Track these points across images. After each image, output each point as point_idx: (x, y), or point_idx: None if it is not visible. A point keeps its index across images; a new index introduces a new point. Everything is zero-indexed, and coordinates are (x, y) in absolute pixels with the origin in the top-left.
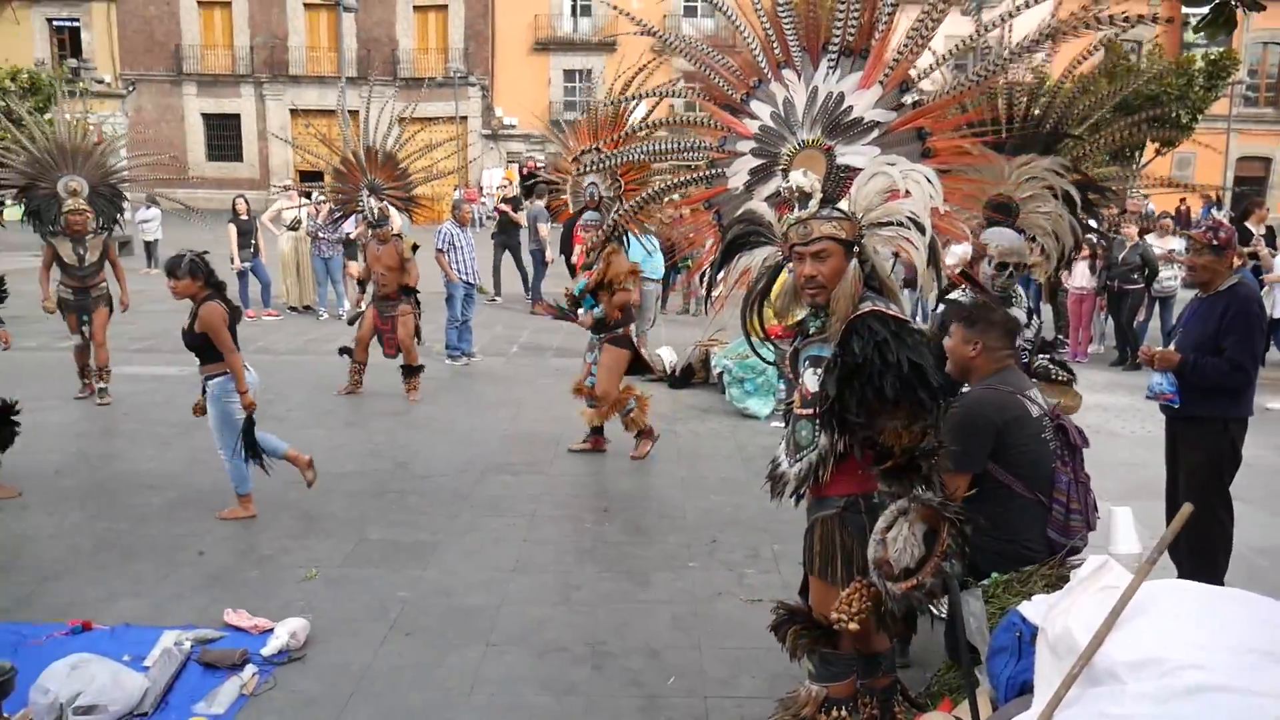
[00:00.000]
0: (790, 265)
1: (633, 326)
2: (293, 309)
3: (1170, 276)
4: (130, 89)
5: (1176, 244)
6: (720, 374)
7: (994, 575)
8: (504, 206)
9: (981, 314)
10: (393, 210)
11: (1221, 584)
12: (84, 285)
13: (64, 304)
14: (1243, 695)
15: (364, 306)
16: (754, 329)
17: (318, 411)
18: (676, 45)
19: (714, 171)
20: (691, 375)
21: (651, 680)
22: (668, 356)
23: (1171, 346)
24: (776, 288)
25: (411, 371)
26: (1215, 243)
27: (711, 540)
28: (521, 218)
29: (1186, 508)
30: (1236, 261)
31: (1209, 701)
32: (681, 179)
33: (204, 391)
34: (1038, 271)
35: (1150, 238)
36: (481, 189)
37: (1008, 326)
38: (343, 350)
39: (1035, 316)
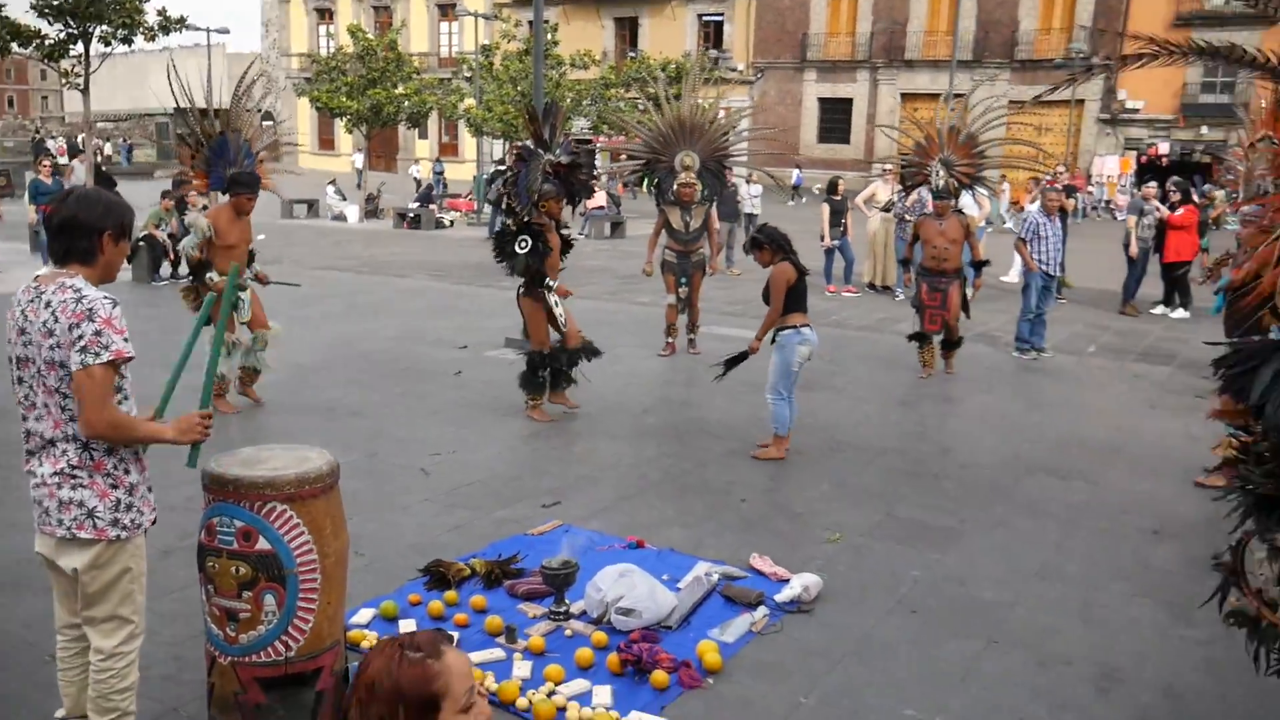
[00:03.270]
0: None
1: None
2: (872, 287)
3: None
4: (758, 75)
5: None
6: None
7: None
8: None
9: None
10: (983, 192)
11: None
12: (686, 250)
13: (667, 265)
14: None
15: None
16: None
17: (873, 387)
18: None
19: None
20: None
21: (1161, 718)
22: None
23: None
24: None
25: (950, 345)
26: None
27: None
28: (1071, 204)
29: None
30: None
31: None
32: None
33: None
34: None
35: None
36: (1090, 177)
37: None
38: (913, 336)
39: None
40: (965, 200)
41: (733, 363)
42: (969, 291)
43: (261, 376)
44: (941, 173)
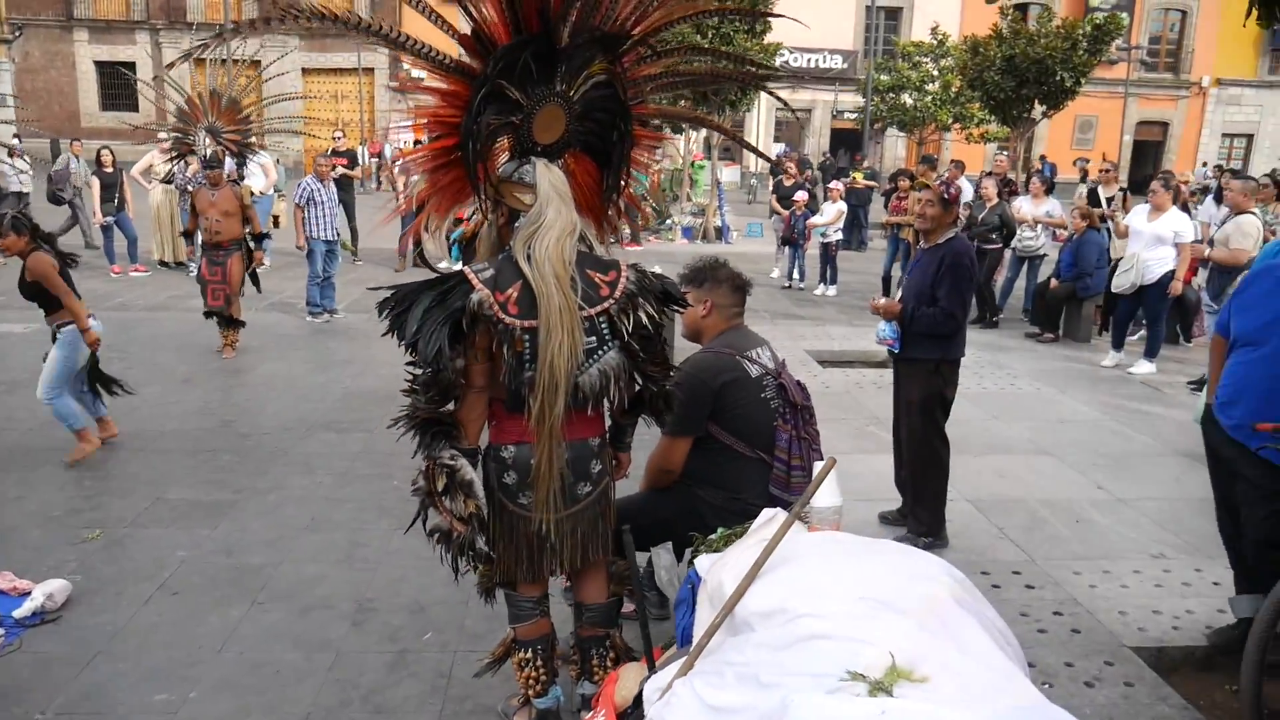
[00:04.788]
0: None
1: None
2: (164, 264)
3: (1031, 237)
4: (17, 34)
5: (1052, 205)
6: None
7: (720, 530)
8: (340, 161)
9: (709, 273)
10: (267, 160)
11: (942, 510)
12: None
13: None
14: (845, 641)
15: (197, 258)
16: None
17: (158, 369)
18: None
19: None
20: None
21: (408, 636)
22: None
23: (898, 294)
24: None
25: (230, 324)
26: (945, 197)
27: None
28: (357, 173)
29: (830, 460)
30: (1074, 222)
31: (815, 648)
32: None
33: (54, 340)
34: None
35: (1023, 200)
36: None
37: (736, 283)
38: (208, 313)
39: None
40: (252, 169)
41: (95, 376)
42: (266, 263)
43: None
44: (208, 140)
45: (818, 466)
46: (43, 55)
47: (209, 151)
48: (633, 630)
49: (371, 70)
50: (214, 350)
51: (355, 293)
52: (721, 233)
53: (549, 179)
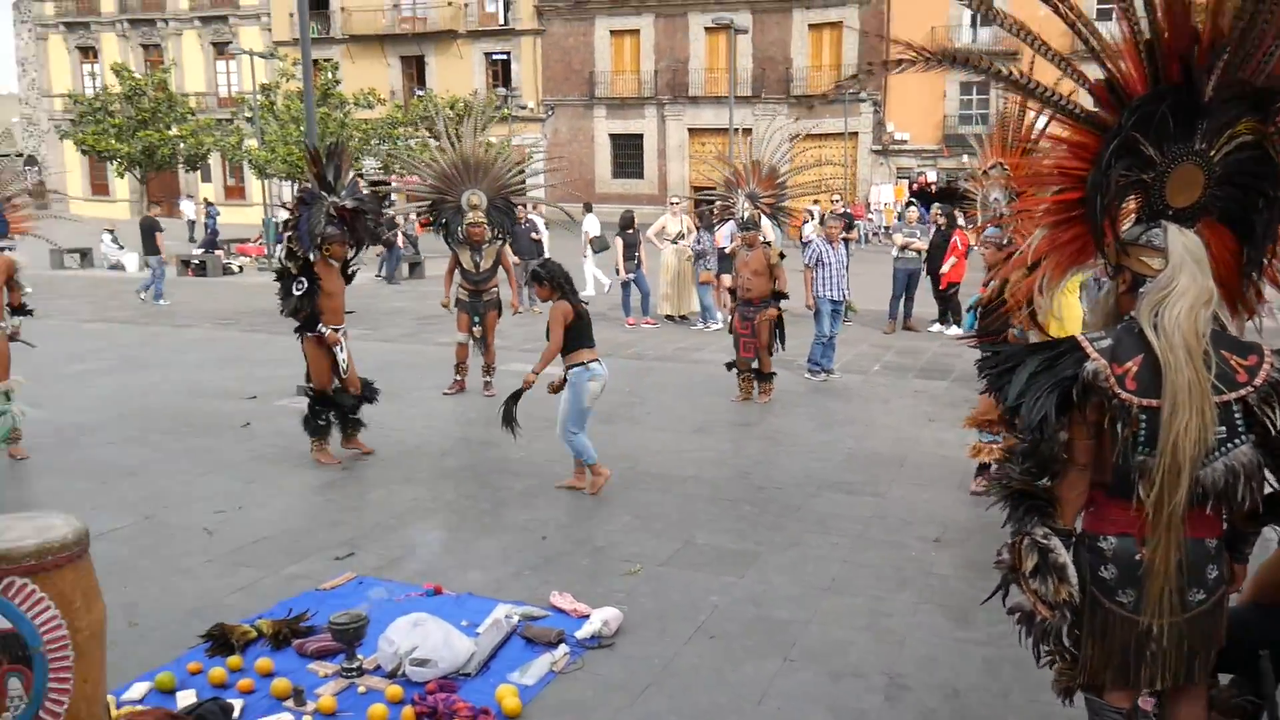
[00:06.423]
0: None
1: None
2: (669, 318)
3: None
4: (549, 113)
5: None
6: None
7: None
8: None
9: None
10: (765, 221)
11: None
12: (478, 289)
13: (460, 304)
14: None
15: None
16: None
17: (672, 416)
18: None
19: None
20: None
21: None
22: None
23: None
24: None
25: (763, 378)
26: None
27: None
28: (854, 235)
29: None
30: None
31: None
32: None
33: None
34: None
35: None
36: (869, 205)
37: None
38: (730, 365)
39: None
40: (767, 228)
41: (512, 401)
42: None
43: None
44: (747, 205)
45: None
46: (569, 130)
47: (746, 215)
48: None
49: (855, 134)
50: (729, 399)
51: (849, 353)
52: None
53: (1183, 242)
